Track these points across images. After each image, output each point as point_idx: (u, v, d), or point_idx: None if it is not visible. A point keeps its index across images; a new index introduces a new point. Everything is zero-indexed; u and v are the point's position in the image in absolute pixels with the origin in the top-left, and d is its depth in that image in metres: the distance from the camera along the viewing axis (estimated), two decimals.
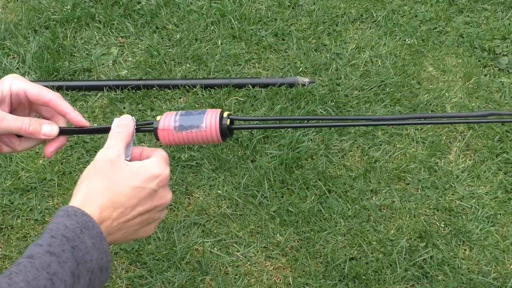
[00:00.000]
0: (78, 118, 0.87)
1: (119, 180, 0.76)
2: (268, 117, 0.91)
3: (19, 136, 0.87)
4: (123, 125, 0.84)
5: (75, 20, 2.10)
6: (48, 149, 0.87)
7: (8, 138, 0.87)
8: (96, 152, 1.74)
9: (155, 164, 0.80)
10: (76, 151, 1.76)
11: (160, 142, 0.88)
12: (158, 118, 0.87)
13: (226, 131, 0.86)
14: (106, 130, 0.86)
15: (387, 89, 1.92)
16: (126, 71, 1.98)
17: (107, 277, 0.75)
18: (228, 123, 0.86)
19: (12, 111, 0.86)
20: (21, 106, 0.88)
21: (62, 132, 0.88)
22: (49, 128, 0.86)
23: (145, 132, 0.88)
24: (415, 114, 0.79)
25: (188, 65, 1.99)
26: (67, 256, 0.68)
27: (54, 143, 0.87)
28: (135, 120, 0.86)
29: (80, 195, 0.75)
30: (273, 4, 2.16)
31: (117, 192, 0.76)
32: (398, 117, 0.85)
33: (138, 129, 0.87)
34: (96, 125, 0.84)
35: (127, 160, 0.81)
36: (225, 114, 0.87)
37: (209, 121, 0.85)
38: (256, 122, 1.02)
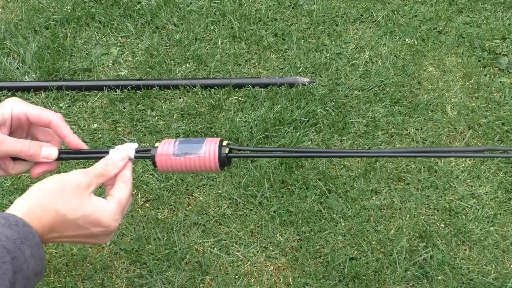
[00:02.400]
0: (76, 142, 0.87)
1: (70, 211, 0.77)
2: (265, 148, 0.91)
3: (13, 159, 0.87)
4: (114, 164, 0.85)
5: (75, 20, 2.10)
6: (36, 170, 0.87)
7: (3, 161, 0.87)
8: None
9: (109, 214, 0.80)
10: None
11: (157, 169, 0.88)
12: (156, 144, 0.87)
13: (225, 160, 0.86)
14: (104, 154, 0.86)
15: (387, 89, 1.92)
16: (126, 71, 1.98)
17: (41, 278, 0.77)
18: (227, 152, 0.86)
19: (10, 134, 0.87)
20: (19, 129, 0.88)
21: (60, 155, 0.88)
22: (48, 151, 0.86)
23: (143, 158, 0.88)
24: (410, 149, 0.81)
25: (188, 65, 1.99)
26: (7, 267, 0.69)
27: (44, 165, 0.87)
28: (135, 152, 0.86)
29: (30, 204, 0.76)
30: (273, 4, 2.16)
31: (62, 221, 0.77)
32: (395, 151, 0.86)
33: (136, 157, 0.87)
34: (92, 148, 0.85)
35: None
36: (225, 142, 0.86)
37: (208, 148, 0.85)
38: (254, 152, 1.03)
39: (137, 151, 0.87)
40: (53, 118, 0.85)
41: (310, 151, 0.97)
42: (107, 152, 0.86)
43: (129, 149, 0.87)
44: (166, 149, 0.86)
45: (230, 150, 0.87)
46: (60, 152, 0.88)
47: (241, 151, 0.92)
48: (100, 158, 0.86)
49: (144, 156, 0.87)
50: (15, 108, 0.85)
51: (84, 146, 0.88)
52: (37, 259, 0.74)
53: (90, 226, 0.79)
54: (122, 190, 0.84)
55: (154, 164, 0.87)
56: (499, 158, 1.74)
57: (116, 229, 0.82)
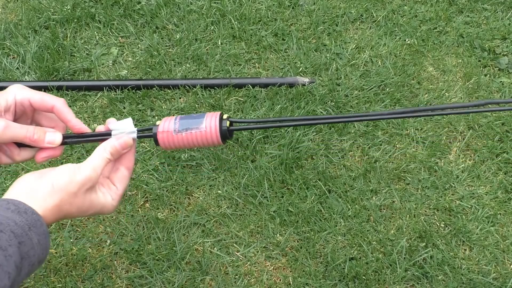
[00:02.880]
0: (79, 126, 0.88)
1: (81, 212, 0.82)
2: (267, 119, 0.91)
3: (19, 146, 0.88)
4: (118, 153, 0.87)
5: (75, 20, 2.10)
6: (41, 155, 0.88)
7: (8, 148, 0.88)
8: None
9: (112, 206, 0.86)
10: (76, 151, 1.76)
11: (160, 147, 0.88)
12: (157, 123, 0.87)
13: (226, 133, 0.86)
14: (107, 136, 0.86)
15: (387, 89, 1.92)
16: (126, 71, 1.98)
17: (41, 266, 0.81)
18: (228, 125, 0.86)
19: (15, 120, 0.88)
20: (24, 115, 0.90)
21: (64, 139, 0.89)
22: (52, 136, 0.87)
23: (145, 138, 0.88)
24: (412, 108, 0.79)
25: (188, 65, 1.99)
26: (13, 250, 0.71)
27: (48, 150, 0.88)
28: (134, 131, 0.86)
29: (40, 194, 0.79)
30: (273, 4, 2.16)
31: (70, 215, 0.82)
32: (395, 112, 0.85)
33: (139, 136, 0.87)
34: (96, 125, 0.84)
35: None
36: (225, 116, 0.87)
37: (209, 122, 0.85)
38: (254, 123, 1.03)
39: (138, 131, 0.87)
40: (56, 102, 0.86)
41: (310, 119, 0.97)
42: (109, 134, 0.86)
43: (131, 132, 0.87)
44: (168, 126, 0.86)
45: (231, 123, 0.88)
46: (64, 137, 0.88)
47: (242, 123, 0.92)
48: (103, 140, 0.87)
49: (146, 136, 0.88)
50: (19, 94, 0.86)
51: (87, 129, 0.89)
52: (43, 248, 0.76)
53: (94, 213, 0.84)
54: (125, 179, 0.87)
55: (156, 142, 0.87)
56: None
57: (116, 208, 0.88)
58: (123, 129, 0.86)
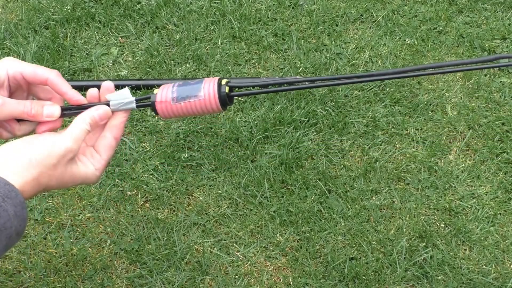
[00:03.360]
0: (76, 97, 0.85)
1: (61, 183, 0.80)
2: (267, 81, 0.88)
3: (18, 120, 0.86)
4: (97, 125, 0.85)
5: (75, 20, 2.10)
6: (41, 128, 0.86)
7: (8, 123, 0.86)
8: None
9: (94, 176, 0.83)
10: None
11: (159, 117, 0.86)
12: (155, 91, 0.85)
13: (226, 99, 0.84)
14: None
15: (387, 89, 1.92)
16: (126, 71, 1.98)
17: (20, 239, 0.77)
18: (227, 91, 0.84)
19: (11, 95, 0.86)
20: (19, 89, 0.87)
21: (62, 111, 0.87)
22: (50, 110, 0.85)
23: (143, 107, 0.86)
24: (420, 66, 0.75)
25: (188, 65, 1.99)
26: None
27: (48, 123, 0.86)
28: (133, 101, 0.85)
29: (24, 180, 0.76)
30: (273, 4, 2.16)
31: (50, 187, 0.79)
32: (399, 70, 0.82)
33: (137, 106, 0.85)
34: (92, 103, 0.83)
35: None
36: (224, 81, 0.84)
37: (207, 89, 0.83)
38: (255, 88, 1.00)
39: (137, 101, 0.85)
40: (49, 75, 0.84)
41: (316, 79, 0.93)
42: (108, 105, 0.84)
43: (129, 102, 0.85)
44: (165, 96, 0.84)
45: (231, 89, 0.85)
46: (62, 109, 0.86)
47: (242, 88, 0.90)
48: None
49: (145, 105, 0.86)
50: (10, 68, 0.84)
51: (85, 101, 0.87)
52: (21, 219, 0.74)
53: (74, 182, 0.82)
54: (111, 148, 0.85)
55: (155, 111, 0.85)
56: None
57: (100, 179, 0.85)
58: (121, 99, 0.84)
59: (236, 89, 0.87)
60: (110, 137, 0.85)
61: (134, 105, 0.85)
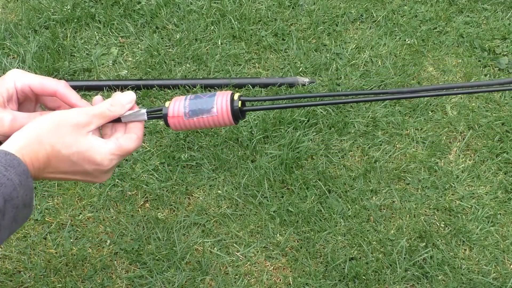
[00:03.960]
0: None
1: (64, 147, 0.77)
2: (279, 97, 0.87)
3: None
4: (121, 105, 0.82)
5: (75, 20, 2.10)
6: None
7: None
8: None
9: (104, 152, 0.79)
10: None
11: (171, 129, 0.86)
12: (167, 104, 0.85)
13: (238, 114, 0.83)
14: (118, 120, 0.84)
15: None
16: (126, 71, 1.98)
17: (30, 213, 0.75)
18: (239, 105, 0.83)
19: (19, 105, 0.86)
20: (27, 99, 0.87)
21: None
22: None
23: (155, 119, 0.85)
24: (430, 86, 0.74)
25: (188, 65, 1.99)
26: None
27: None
28: (144, 112, 0.83)
29: (26, 137, 0.75)
30: (273, 4, 2.16)
31: (56, 155, 0.76)
32: (414, 89, 0.81)
33: (148, 117, 0.84)
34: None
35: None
36: (236, 96, 0.84)
37: (220, 104, 0.82)
38: (267, 103, 1.00)
39: (148, 112, 0.84)
40: (57, 87, 0.83)
41: (327, 95, 0.91)
42: (120, 120, 0.83)
43: (141, 114, 0.84)
44: (178, 110, 0.83)
45: (243, 103, 0.85)
46: None
47: (255, 102, 0.90)
48: (115, 122, 0.84)
49: (156, 117, 0.85)
50: (18, 81, 0.84)
51: None
52: (26, 188, 0.72)
53: (84, 163, 0.78)
54: (130, 140, 0.82)
55: (167, 124, 0.84)
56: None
57: (110, 168, 0.80)
58: (133, 112, 0.84)
59: (248, 102, 0.87)
60: (132, 134, 0.83)
61: (145, 117, 0.84)
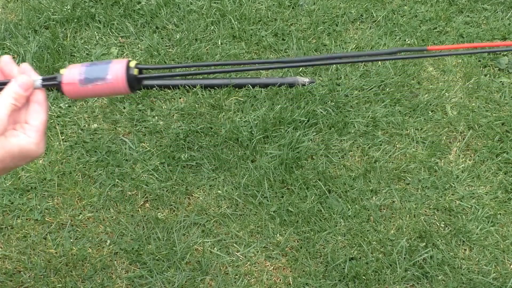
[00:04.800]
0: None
1: None
2: (179, 65, 0.85)
3: None
4: (23, 97, 0.80)
5: (75, 20, 2.10)
6: None
7: None
8: (96, 152, 1.74)
9: (32, 147, 0.78)
10: (76, 151, 1.76)
11: (68, 98, 0.84)
12: (62, 71, 0.82)
13: (134, 82, 0.81)
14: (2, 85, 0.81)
15: (387, 89, 1.92)
16: None
17: None
18: (136, 73, 0.82)
19: None
20: None
21: None
22: None
23: (48, 87, 0.82)
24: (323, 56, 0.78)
25: None
26: None
27: None
28: (38, 80, 0.81)
29: None
30: (273, 4, 2.16)
31: None
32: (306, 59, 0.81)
33: (43, 85, 0.81)
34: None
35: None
36: (132, 63, 0.82)
37: (115, 71, 0.80)
38: (168, 70, 0.97)
39: (43, 80, 0.81)
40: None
41: (235, 63, 0.91)
42: (5, 83, 0.81)
43: (35, 79, 0.82)
44: (72, 77, 0.81)
45: (141, 71, 0.83)
46: None
47: (153, 70, 0.88)
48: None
49: (50, 84, 0.82)
50: None
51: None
52: None
53: (19, 162, 0.78)
54: (38, 114, 0.80)
55: (62, 92, 0.82)
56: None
57: (43, 149, 0.80)
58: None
59: (145, 71, 0.85)
60: (35, 104, 0.81)
61: (40, 84, 0.82)
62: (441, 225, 1.64)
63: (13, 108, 0.79)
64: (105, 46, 2.05)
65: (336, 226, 1.63)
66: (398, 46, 2.03)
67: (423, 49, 0.79)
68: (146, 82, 1.87)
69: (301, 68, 1.96)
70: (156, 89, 1.91)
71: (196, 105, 1.87)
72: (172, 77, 0.99)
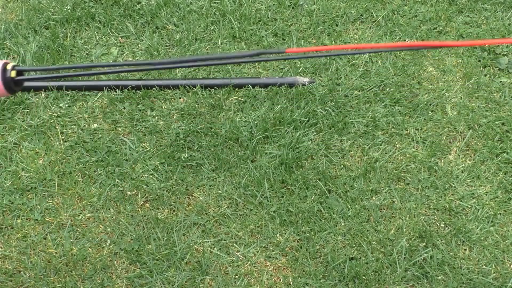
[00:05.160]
0: None
1: None
2: (62, 66, 0.83)
3: None
4: None
5: (75, 20, 2.10)
6: None
7: None
8: (96, 152, 1.74)
9: None
10: (76, 151, 1.76)
11: None
12: None
13: (11, 84, 0.79)
14: None
15: (387, 89, 1.92)
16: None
17: None
18: (14, 75, 0.80)
19: None
20: None
21: None
22: None
23: None
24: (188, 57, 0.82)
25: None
26: None
27: None
28: None
29: None
30: (273, 4, 2.16)
31: None
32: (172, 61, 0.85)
33: None
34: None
35: None
36: (9, 66, 0.80)
37: None
38: (53, 72, 0.95)
39: None
40: None
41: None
42: None
43: None
44: None
45: (19, 73, 0.81)
46: None
47: (34, 71, 0.86)
48: None
49: None
50: None
51: None
52: None
53: None
54: None
55: None
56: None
57: None
58: None
59: (28, 73, 0.84)
60: None
61: None
62: (441, 225, 1.64)
63: None
64: (105, 46, 2.05)
65: (336, 226, 1.63)
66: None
67: (282, 51, 0.82)
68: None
69: (301, 68, 1.96)
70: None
71: (196, 105, 1.87)
72: (58, 78, 0.96)
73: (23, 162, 1.74)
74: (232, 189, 1.69)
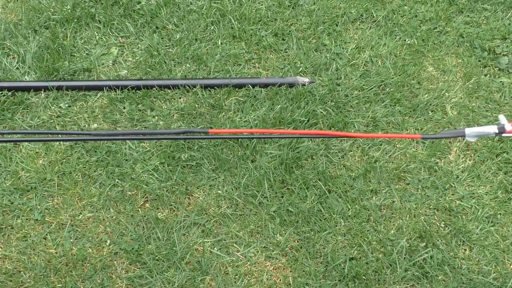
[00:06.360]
0: None
1: None
2: None
3: None
4: None
5: (75, 20, 2.10)
6: None
7: None
8: (96, 152, 1.74)
9: None
10: (76, 151, 1.76)
11: None
12: None
13: None
14: None
15: (387, 89, 1.92)
16: (126, 71, 1.98)
17: None
18: None
19: None
20: None
21: None
22: None
23: None
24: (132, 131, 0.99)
25: (188, 65, 1.98)
26: None
27: None
28: None
29: None
30: (273, 4, 2.16)
31: None
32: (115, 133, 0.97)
33: None
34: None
35: None
36: None
37: None
38: None
39: None
40: None
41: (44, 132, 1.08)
42: None
43: None
44: None
45: None
46: None
47: None
48: None
49: None
50: None
51: None
52: None
53: None
54: None
55: None
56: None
57: None
58: None
59: None
60: None
61: None
62: (441, 225, 1.64)
63: None
64: (105, 46, 2.05)
65: (336, 226, 1.63)
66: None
67: (205, 131, 0.88)
68: None
69: (301, 68, 1.96)
70: (156, 89, 1.91)
71: (196, 105, 1.87)
72: None
73: (23, 162, 1.74)
74: (232, 189, 1.69)
